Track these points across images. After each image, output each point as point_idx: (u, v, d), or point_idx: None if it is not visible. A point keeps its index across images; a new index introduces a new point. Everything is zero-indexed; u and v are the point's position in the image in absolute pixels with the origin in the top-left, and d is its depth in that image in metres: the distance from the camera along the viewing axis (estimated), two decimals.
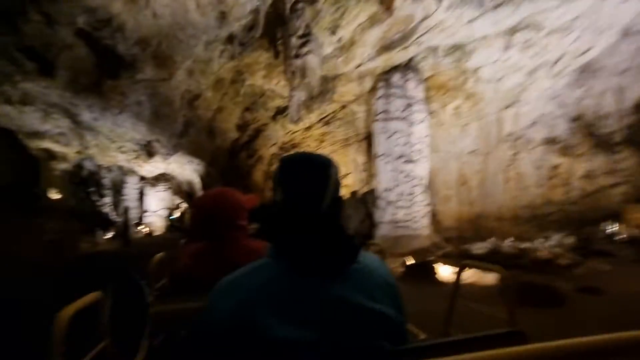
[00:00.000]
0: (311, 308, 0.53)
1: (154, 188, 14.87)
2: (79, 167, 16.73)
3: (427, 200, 7.74)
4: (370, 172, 10.03)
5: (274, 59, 8.54)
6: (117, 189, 16.00)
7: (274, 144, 11.58)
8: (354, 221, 8.98)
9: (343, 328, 0.52)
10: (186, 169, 14.44)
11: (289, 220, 0.59)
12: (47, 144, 14.08)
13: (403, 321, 0.60)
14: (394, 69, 7.90)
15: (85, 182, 16.98)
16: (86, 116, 11.11)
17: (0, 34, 7.33)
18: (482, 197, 9.61)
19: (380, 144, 7.75)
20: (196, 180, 14.85)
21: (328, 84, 9.17)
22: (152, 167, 14.34)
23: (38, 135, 12.79)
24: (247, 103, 10.67)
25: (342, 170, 11.09)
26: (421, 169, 7.65)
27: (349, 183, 10.66)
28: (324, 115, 10.22)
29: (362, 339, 0.53)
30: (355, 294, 0.55)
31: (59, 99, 10.35)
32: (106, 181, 16.29)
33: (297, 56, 7.00)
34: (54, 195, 18.49)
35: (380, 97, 7.74)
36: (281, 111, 10.90)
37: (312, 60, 7.01)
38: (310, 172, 0.61)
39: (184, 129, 11.52)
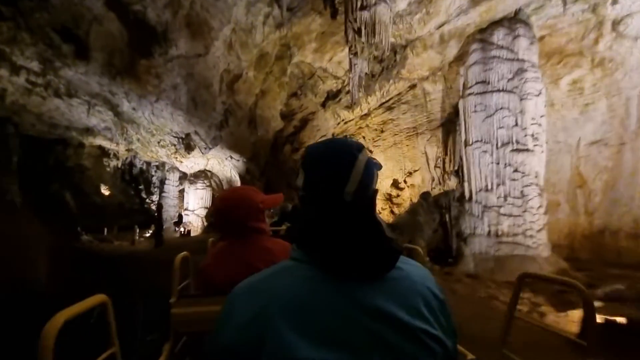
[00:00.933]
0: (337, 321, 0.43)
1: (193, 185, 13.97)
2: (130, 164, 16.80)
3: (544, 206, 5.37)
4: (446, 168, 7.80)
5: (328, 26, 6.78)
6: (161, 187, 15.44)
7: (323, 136, 9.82)
8: (426, 231, 6.84)
9: (380, 346, 0.43)
10: (226, 165, 13.30)
11: (309, 209, 0.50)
12: (99, 141, 13.95)
13: (454, 346, 0.50)
14: (495, 24, 5.69)
15: (136, 179, 17.07)
16: (125, 106, 10.40)
17: (32, 9, 6.65)
18: (609, 205, 6.91)
19: (474, 128, 5.59)
20: (235, 178, 13.67)
21: (396, 54, 7.19)
22: (192, 163, 13.43)
23: (90, 131, 12.83)
24: (293, 87, 9.07)
25: (408, 166, 8.95)
26: (536, 162, 5.33)
27: (417, 182, 8.52)
28: (387, 98, 8.24)
29: None
30: (391, 306, 0.45)
31: (98, 87, 9.77)
32: (155, 179, 16.10)
33: (363, 7, 5.13)
34: (105, 191, 18.75)
35: (474, 64, 5.61)
36: (333, 96, 9.11)
37: (382, 12, 5.11)
38: (333, 154, 0.51)
39: (224, 118, 10.24)
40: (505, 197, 5.26)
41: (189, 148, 12.09)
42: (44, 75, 9.71)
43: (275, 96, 8.75)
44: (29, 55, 7.53)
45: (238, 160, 12.48)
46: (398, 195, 8.94)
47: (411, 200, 8.63)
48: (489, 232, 5.35)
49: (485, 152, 5.48)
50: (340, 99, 9.03)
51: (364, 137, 9.08)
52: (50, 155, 18.07)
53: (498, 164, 5.38)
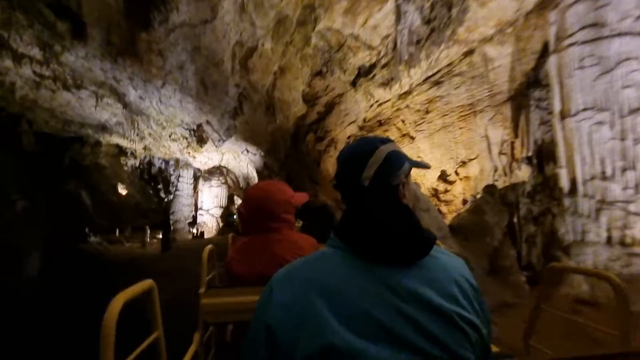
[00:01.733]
0: (371, 303, 0.46)
1: (207, 183, 12.85)
2: (149, 164, 16.37)
3: None
4: (516, 154, 6.07)
5: None
6: (175, 185, 14.46)
7: (353, 122, 8.31)
8: (497, 235, 5.19)
9: (413, 329, 0.45)
10: (242, 160, 12.05)
11: (342, 193, 0.58)
12: (115, 139, 13.42)
13: (489, 334, 0.53)
14: None
15: (154, 178, 16.44)
16: (132, 95, 9.47)
17: None
18: None
19: (580, 91, 3.93)
20: (252, 174, 12.39)
21: (451, 9, 5.56)
22: (205, 158, 12.28)
23: (105, 129, 12.27)
24: (317, 63, 7.61)
25: (461, 153, 7.25)
26: None
27: (473, 174, 6.84)
28: (435, 70, 6.62)
29: (436, 344, 0.45)
30: (424, 289, 0.48)
31: (102, 73, 8.92)
32: (173, 178, 15.42)
33: None
34: (122, 190, 18.16)
35: (577, 2, 3.89)
36: (366, 72, 7.58)
37: None
38: (358, 145, 0.59)
39: (238, 104, 8.93)
40: (638, 188, 3.55)
41: (201, 141, 10.91)
42: (47, 64, 8.95)
43: (296, 74, 7.31)
44: (28, 40, 7.02)
45: (255, 154, 11.17)
46: (447, 191, 7.32)
47: (464, 196, 6.97)
48: (610, 238, 3.66)
49: (600, 123, 3.80)
50: (374, 75, 7.46)
51: (403, 122, 7.48)
52: (66, 154, 17.60)
53: (623, 139, 3.67)
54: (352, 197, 0.56)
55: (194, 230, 12.44)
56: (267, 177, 11.47)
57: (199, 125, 10.41)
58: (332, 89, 8.36)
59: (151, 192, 17.68)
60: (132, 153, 17.18)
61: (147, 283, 0.86)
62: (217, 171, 13.24)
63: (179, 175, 14.06)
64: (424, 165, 0.67)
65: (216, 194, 13.02)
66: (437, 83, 6.91)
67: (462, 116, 6.78)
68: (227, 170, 13.68)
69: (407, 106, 7.51)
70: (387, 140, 0.59)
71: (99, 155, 17.50)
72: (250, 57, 7.24)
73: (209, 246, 1.49)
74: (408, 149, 7.52)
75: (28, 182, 15.73)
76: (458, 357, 0.46)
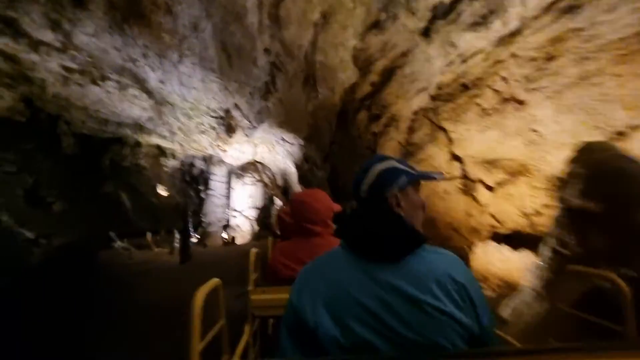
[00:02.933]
0: (358, 292, 0.60)
1: (240, 180, 11.28)
2: (190, 165, 15.61)
3: None
4: None
5: None
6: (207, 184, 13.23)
7: (422, 90, 5.98)
8: None
9: (392, 315, 0.57)
10: (277, 152, 10.24)
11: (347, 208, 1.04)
12: (155, 140, 13.34)
13: (484, 330, 0.60)
14: None
15: (196, 179, 15.66)
16: (152, 79, 8.79)
17: None
18: None
19: None
20: (291, 170, 10.52)
21: None
22: (237, 152, 10.70)
23: (141, 128, 12.22)
24: (373, 10, 5.44)
25: (618, 118, 4.52)
26: None
27: (637, 148, 4.11)
28: None
29: (411, 330, 0.56)
30: (402, 282, 0.59)
31: (116, 53, 8.30)
32: (206, 176, 14.67)
33: None
34: (162, 192, 17.44)
35: None
36: (445, 11, 5.32)
37: None
38: (362, 165, 0.77)
39: (270, 77, 7.05)
40: None
41: (230, 130, 9.26)
42: (65, 49, 8.00)
43: (344, 22, 5.19)
44: (36, 19, 6.62)
45: (292, 144, 9.23)
46: None
47: None
48: None
49: None
50: (459, 14, 5.10)
51: (504, 80, 5.00)
52: (105, 155, 17.26)
53: None
54: (353, 205, 0.74)
55: (225, 235, 10.90)
56: (307, 171, 9.48)
57: (227, 111, 8.72)
58: (393, 47, 6.09)
59: (192, 193, 16.96)
60: (172, 154, 16.63)
61: (216, 281, 1.06)
62: (251, 167, 11.64)
63: (211, 173, 12.72)
64: (429, 176, 0.81)
65: (250, 194, 11.42)
66: (572, 9, 4.31)
67: (620, 57, 4.12)
68: (262, 166, 12.02)
69: (514, 55, 4.99)
70: (384, 158, 0.76)
71: (138, 156, 17.01)
72: (281, 2, 5.24)
73: (255, 249, 1.75)
74: (513, 121, 5.03)
75: (66, 184, 15.42)
76: (433, 343, 0.55)
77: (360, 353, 0.56)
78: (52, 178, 14.14)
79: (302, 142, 8.79)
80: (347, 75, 6.13)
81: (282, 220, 1.87)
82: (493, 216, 5.57)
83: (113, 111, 11.19)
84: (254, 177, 11.42)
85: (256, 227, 11.31)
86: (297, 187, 10.79)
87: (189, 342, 0.81)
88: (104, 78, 8.95)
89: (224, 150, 10.78)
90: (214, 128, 9.81)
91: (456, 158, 5.91)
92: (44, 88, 9.89)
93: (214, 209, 12.02)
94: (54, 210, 13.62)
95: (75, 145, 15.76)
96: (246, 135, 9.15)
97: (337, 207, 1.27)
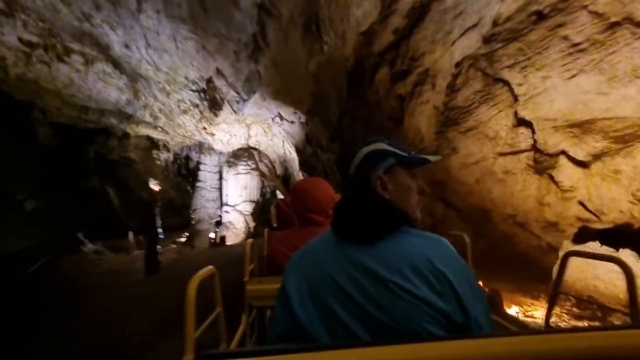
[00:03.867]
0: (334, 270, 0.60)
1: (233, 169, 9.57)
2: (187, 158, 14.26)
3: None
4: None
5: None
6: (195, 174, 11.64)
7: (471, 28, 4.13)
8: None
9: (363, 295, 0.56)
10: (275, 134, 8.50)
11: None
12: (144, 130, 12.05)
13: (467, 318, 0.56)
14: None
15: (192, 173, 14.50)
16: (114, 42, 7.32)
17: None
18: None
19: None
20: (292, 155, 8.76)
21: None
22: (227, 135, 8.99)
23: (129, 117, 11.00)
24: None
25: None
26: None
27: None
28: None
29: (384, 313, 0.54)
30: (374, 263, 0.57)
31: (65, 8, 7.03)
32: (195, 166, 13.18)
33: None
34: (154, 187, 15.64)
35: None
36: None
37: None
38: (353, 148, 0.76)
39: (257, 28, 5.25)
40: None
41: (215, 106, 7.55)
42: (10, 13, 6.71)
43: None
44: None
45: (292, 122, 7.49)
46: None
47: None
48: None
49: None
50: None
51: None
52: (89, 148, 15.59)
53: None
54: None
55: (212, 235, 9.22)
56: (311, 156, 7.75)
57: (209, 82, 6.96)
58: None
59: (189, 188, 15.52)
60: (164, 145, 15.05)
61: (211, 269, 1.03)
62: (245, 154, 9.90)
63: (200, 162, 11.02)
64: (420, 159, 0.74)
65: (244, 185, 9.71)
66: None
67: None
68: (259, 152, 10.26)
69: None
70: (375, 141, 0.72)
71: (127, 149, 15.08)
72: None
73: (251, 240, 1.75)
74: (626, 57, 3.25)
75: (42, 180, 13.80)
76: (407, 329, 0.53)
77: (341, 337, 0.54)
78: (23, 173, 12.51)
79: (303, 117, 7.03)
80: (364, 10, 4.33)
81: (281, 209, 1.86)
82: (583, 204, 3.80)
83: (89, 95, 9.68)
84: (248, 165, 9.71)
85: (252, 224, 9.66)
86: (298, 176, 9.09)
87: (185, 330, 0.80)
88: (67, 51, 7.79)
89: (212, 134, 9.06)
90: (196, 105, 8.09)
91: (523, 123, 4.14)
92: (6, 69, 8.56)
93: (204, 204, 10.39)
94: (26, 210, 12.09)
95: (53, 137, 14.23)
96: (235, 111, 7.41)
97: (338, 197, 1.08)
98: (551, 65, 3.72)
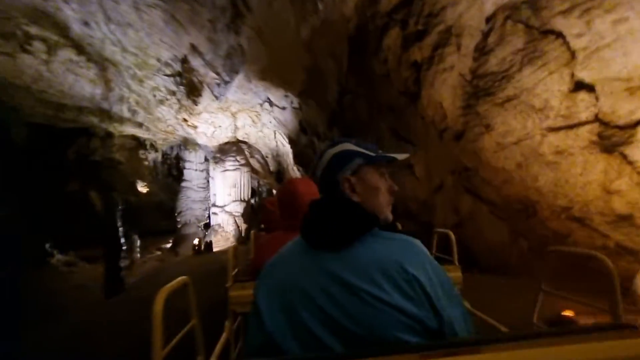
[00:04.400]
0: (303, 278, 0.57)
1: (220, 166, 8.51)
2: (177, 158, 13.59)
3: None
4: None
5: None
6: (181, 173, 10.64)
7: None
8: None
9: (334, 305, 0.53)
10: (265, 124, 7.49)
11: None
12: (128, 129, 11.30)
13: (440, 321, 0.54)
14: None
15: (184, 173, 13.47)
16: (71, 19, 6.32)
17: None
18: None
19: None
20: (285, 148, 7.73)
21: None
22: (211, 127, 7.93)
23: (110, 117, 10.20)
24: None
25: None
26: None
27: None
28: None
29: (357, 324, 0.52)
30: (343, 271, 0.55)
31: None
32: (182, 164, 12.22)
33: None
34: (142, 189, 14.67)
35: None
36: None
37: None
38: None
39: None
40: None
41: (193, 91, 6.55)
42: None
43: None
44: None
45: (283, 107, 6.50)
46: None
47: None
48: None
49: None
50: None
51: None
52: (69, 149, 14.44)
53: None
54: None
55: (196, 242, 8.16)
56: (306, 146, 6.77)
57: (184, 62, 5.90)
58: None
59: (177, 188, 14.48)
60: (152, 145, 14.00)
61: (184, 279, 0.98)
62: (234, 148, 8.83)
63: (184, 160, 9.95)
64: (388, 157, 0.68)
65: (233, 182, 8.67)
66: None
67: None
68: (248, 146, 9.20)
69: None
70: (342, 142, 0.67)
71: (111, 149, 13.51)
72: None
73: (233, 244, 1.87)
74: None
75: (15, 184, 12.63)
76: (380, 338, 0.50)
77: (313, 349, 0.52)
78: None
79: (296, 101, 6.00)
80: None
81: (267, 210, 1.77)
82: None
83: (61, 90, 8.85)
84: (237, 161, 8.64)
85: (243, 226, 8.60)
86: (293, 172, 8.07)
87: (153, 349, 0.77)
88: (28, 38, 7.07)
89: (194, 127, 8.01)
90: (173, 93, 7.03)
91: (583, 87, 3.15)
92: None
93: (190, 206, 9.34)
94: None
95: (29, 137, 13.12)
96: (216, 97, 6.37)
97: None
98: (629, 4, 2.74)
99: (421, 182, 4.93)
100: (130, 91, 8.33)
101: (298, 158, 7.63)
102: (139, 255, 6.90)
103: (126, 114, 10.15)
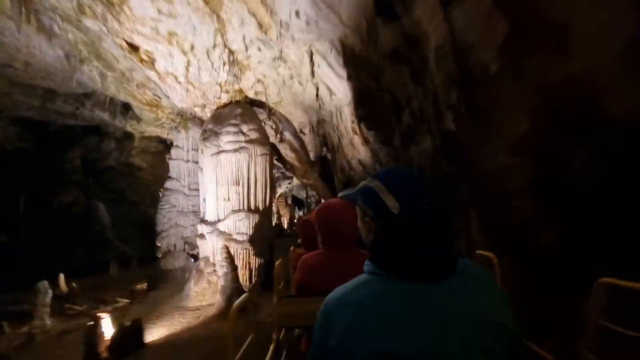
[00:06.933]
0: (423, 319, 0.48)
1: (210, 145, 4.23)
2: None
3: None
4: None
5: None
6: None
7: None
8: None
9: (443, 338, 0.46)
10: (293, 36, 2.81)
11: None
12: (144, 127, 9.36)
13: (522, 338, 0.53)
14: None
15: None
16: None
17: None
18: None
19: None
20: (337, 98, 3.11)
21: None
22: (178, 54, 3.50)
23: (126, 114, 8.37)
24: None
25: None
26: None
27: None
28: None
29: (486, 354, 0.46)
30: (473, 302, 0.49)
31: None
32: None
33: None
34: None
35: None
36: None
37: None
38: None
39: None
40: None
41: None
42: None
43: None
44: None
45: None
46: None
47: None
48: None
49: None
50: None
51: None
52: (74, 152, 11.44)
53: None
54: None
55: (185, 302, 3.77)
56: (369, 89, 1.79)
57: None
58: None
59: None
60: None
61: (249, 295, 1.26)
62: (237, 112, 4.48)
63: (170, 143, 5.96)
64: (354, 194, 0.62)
65: (235, 175, 4.23)
66: None
67: None
68: (268, 109, 4.78)
69: None
70: (373, 176, 0.60)
71: (130, 153, 11.59)
72: None
73: (279, 260, 1.72)
74: None
75: None
76: None
77: None
78: None
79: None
80: None
81: (308, 228, 1.62)
82: None
83: (25, 61, 6.11)
84: (243, 134, 4.24)
85: (258, 261, 4.05)
86: (349, 146, 3.49)
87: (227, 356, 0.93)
88: None
89: (150, 61, 3.88)
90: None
91: None
92: None
93: (175, 220, 5.27)
94: None
95: (21, 138, 10.72)
96: None
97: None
98: None
99: None
100: (69, 24, 4.57)
101: (361, 107, 3.02)
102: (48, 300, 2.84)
103: (97, 80, 6.63)
